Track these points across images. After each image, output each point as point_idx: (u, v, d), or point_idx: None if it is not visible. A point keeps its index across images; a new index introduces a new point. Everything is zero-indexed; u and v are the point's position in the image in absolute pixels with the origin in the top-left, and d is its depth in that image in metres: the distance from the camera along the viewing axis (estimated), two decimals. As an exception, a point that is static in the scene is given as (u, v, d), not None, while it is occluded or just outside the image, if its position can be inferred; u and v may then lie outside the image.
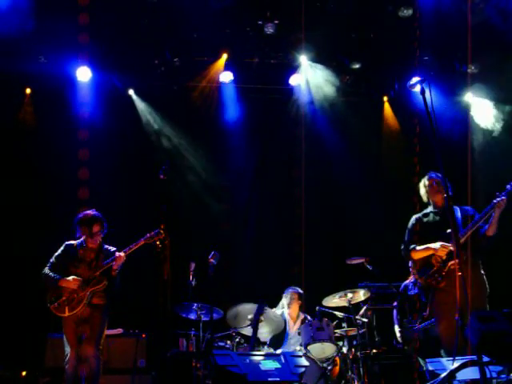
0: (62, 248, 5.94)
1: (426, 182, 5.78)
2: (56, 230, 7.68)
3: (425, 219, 5.75)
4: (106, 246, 6.00)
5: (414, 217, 5.84)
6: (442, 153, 4.27)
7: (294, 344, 7.13)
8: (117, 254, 5.76)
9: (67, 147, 8.65)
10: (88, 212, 5.97)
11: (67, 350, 5.68)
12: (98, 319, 5.72)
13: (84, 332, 5.67)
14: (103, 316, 5.79)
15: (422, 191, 5.86)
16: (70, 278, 5.69)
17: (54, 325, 6.47)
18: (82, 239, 5.94)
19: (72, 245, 5.94)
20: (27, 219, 8.34)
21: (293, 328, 7.32)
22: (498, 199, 5.31)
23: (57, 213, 8.10)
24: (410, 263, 7.38)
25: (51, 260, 5.88)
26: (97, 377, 5.67)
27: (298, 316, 7.44)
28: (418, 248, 5.59)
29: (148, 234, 5.77)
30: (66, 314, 5.63)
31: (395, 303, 7.45)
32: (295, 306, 7.42)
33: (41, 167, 8.56)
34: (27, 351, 7.28)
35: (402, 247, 5.76)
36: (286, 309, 7.45)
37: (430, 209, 5.82)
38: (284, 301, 7.50)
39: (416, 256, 5.63)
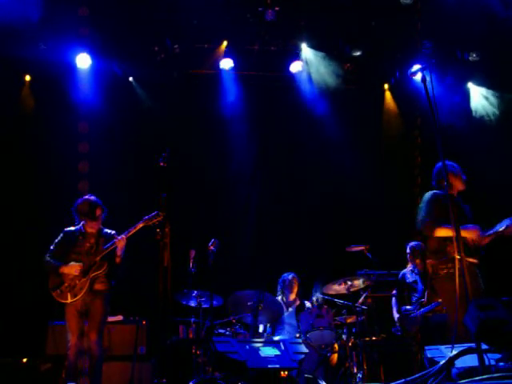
0: (61, 235, 5.92)
1: (457, 169, 5.46)
2: (56, 215, 7.70)
3: (443, 200, 5.19)
4: (106, 230, 5.99)
5: (433, 192, 5.40)
6: (442, 140, 4.27)
7: (289, 330, 7.13)
8: (117, 237, 5.75)
9: (67, 133, 8.64)
10: (87, 197, 5.97)
11: (69, 336, 5.68)
12: (99, 305, 5.71)
13: (86, 319, 5.68)
14: (105, 302, 5.78)
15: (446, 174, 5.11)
16: (71, 264, 5.70)
17: (55, 312, 6.50)
18: (80, 225, 5.93)
19: (71, 231, 5.92)
20: (26, 206, 8.34)
21: (287, 313, 7.33)
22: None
23: (57, 199, 8.10)
24: (409, 249, 7.40)
25: (51, 247, 5.88)
26: (99, 363, 5.69)
27: (294, 301, 7.46)
28: (446, 226, 5.03)
29: (146, 217, 5.76)
30: (69, 300, 5.63)
31: (394, 291, 7.49)
32: (294, 292, 7.44)
33: (40, 153, 8.55)
34: (28, 338, 7.30)
35: (422, 219, 5.24)
36: (286, 294, 7.44)
37: (441, 192, 5.34)
38: (282, 286, 7.49)
39: (440, 233, 5.16)
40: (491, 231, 5.33)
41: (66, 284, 5.68)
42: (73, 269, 5.67)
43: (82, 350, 5.68)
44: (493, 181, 8.65)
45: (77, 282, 5.66)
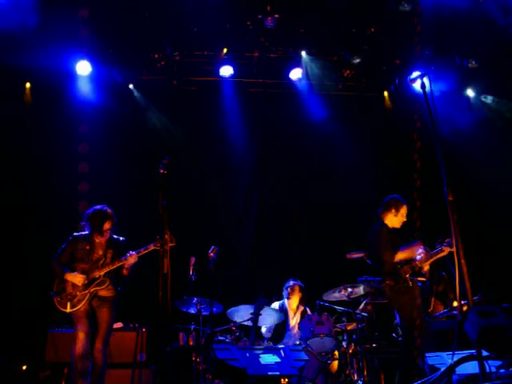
0: (69, 239, 5.82)
1: (405, 211, 6.25)
2: (55, 223, 7.70)
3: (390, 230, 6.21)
4: (115, 236, 5.90)
5: (379, 225, 6.25)
6: (441, 146, 4.28)
7: (294, 336, 7.16)
8: (130, 253, 5.68)
9: (67, 140, 8.63)
10: (98, 207, 5.87)
11: (77, 333, 5.52)
12: (105, 313, 5.65)
13: (94, 321, 5.62)
14: (112, 310, 5.70)
15: (394, 214, 6.23)
16: (76, 273, 5.63)
17: (55, 319, 6.49)
18: (89, 233, 5.82)
19: (79, 237, 5.81)
20: (27, 213, 8.33)
21: (293, 319, 7.37)
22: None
23: (57, 206, 8.10)
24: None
25: (58, 251, 5.77)
26: (102, 373, 5.59)
27: (297, 308, 7.48)
28: (400, 250, 5.98)
29: (158, 238, 5.49)
30: (68, 309, 5.57)
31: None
32: (295, 298, 7.46)
33: (40, 161, 8.55)
34: (28, 345, 7.28)
35: (386, 250, 5.98)
36: (287, 300, 7.48)
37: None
38: (285, 292, 7.53)
39: (399, 257, 5.97)
40: (433, 252, 6.16)
41: (67, 292, 5.61)
42: (77, 278, 5.61)
43: (89, 352, 5.53)
44: (492, 186, 8.67)
45: (77, 293, 5.60)
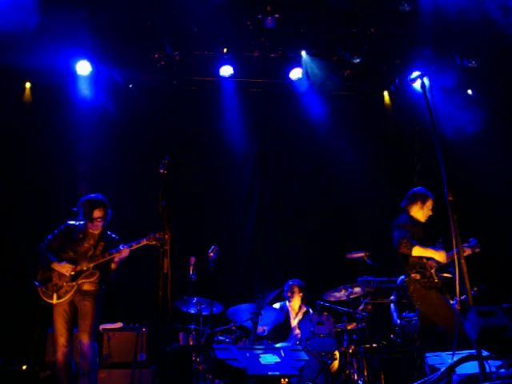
0: (61, 227, 5.72)
1: (431, 204, 6.04)
2: (55, 223, 7.68)
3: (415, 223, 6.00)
4: (110, 233, 5.81)
5: (404, 215, 6.09)
6: (441, 146, 4.28)
7: (295, 336, 7.16)
8: (122, 247, 5.59)
9: (67, 141, 8.64)
10: (92, 195, 5.75)
11: (57, 338, 5.42)
12: (89, 307, 5.48)
13: (75, 324, 5.50)
14: (95, 304, 5.53)
15: (420, 207, 6.05)
16: (64, 263, 5.50)
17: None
18: (83, 222, 5.71)
19: (72, 226, 5.71)
20: (27, 213, 8.33)
21: (294, 321, 7.35)
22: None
23: (56, 206, 8.09)
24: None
25: (49, 237, 5.67)
26: (94, 369, 5.43)
27: (299, 308, 7.46)
28: (421, 245, 5.75)
29: (151, 234, 5.55)
30: (54, 300, 5.45)
31: (392, 296, 7.46)
32: (296, 299, 7.44)
33: (40, 161, 8.55)
34: (28, 345, 7.28)
35: (403, 239, 5.76)
36: (288, 302, 7.47)
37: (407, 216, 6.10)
38: (285, 294, 7.53)
39: (416, 252, 5.77)
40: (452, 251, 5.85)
41: (53, 282, 5.50)
42: (64, 268, 5.47)
43: (72, 356, 5.44)
44: (492, 186, 8.66)
45: (64, 283, 5.48)
